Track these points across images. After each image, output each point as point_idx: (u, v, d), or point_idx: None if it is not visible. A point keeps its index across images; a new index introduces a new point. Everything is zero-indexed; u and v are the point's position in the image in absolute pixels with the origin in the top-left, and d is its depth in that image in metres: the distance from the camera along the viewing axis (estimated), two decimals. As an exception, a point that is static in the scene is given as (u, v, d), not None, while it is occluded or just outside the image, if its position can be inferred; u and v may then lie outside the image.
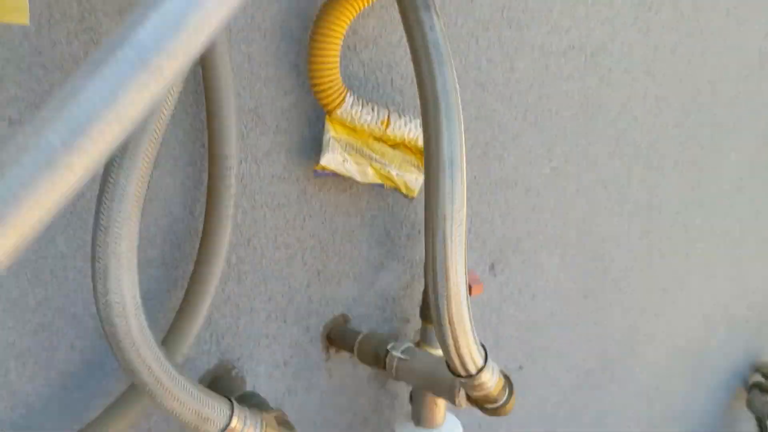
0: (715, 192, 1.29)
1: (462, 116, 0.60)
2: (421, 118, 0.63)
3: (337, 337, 0.82)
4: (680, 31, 1.11)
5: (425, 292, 0.84)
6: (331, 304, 0.82)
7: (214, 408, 0.55)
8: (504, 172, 0.94)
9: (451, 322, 0.60)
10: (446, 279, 0.59)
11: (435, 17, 0.62)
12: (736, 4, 1.18)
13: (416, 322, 0.88)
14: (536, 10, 0.91)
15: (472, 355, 0.63)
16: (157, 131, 0.49)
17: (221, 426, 0.56)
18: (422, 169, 0.75)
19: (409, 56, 0.76)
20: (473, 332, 0.63)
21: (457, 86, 0.61)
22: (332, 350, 0.84)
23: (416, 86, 0.63)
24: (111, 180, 0.47)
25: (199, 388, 0.55)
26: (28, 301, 0.61)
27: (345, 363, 0.86)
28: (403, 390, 0.92)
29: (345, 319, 0.83)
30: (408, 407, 0.86)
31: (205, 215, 0.63)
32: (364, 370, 0.88)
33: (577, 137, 1.01)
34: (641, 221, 1.17)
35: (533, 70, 0.92)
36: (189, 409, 0.53)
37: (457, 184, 0.59)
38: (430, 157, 0.60)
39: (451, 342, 0.62)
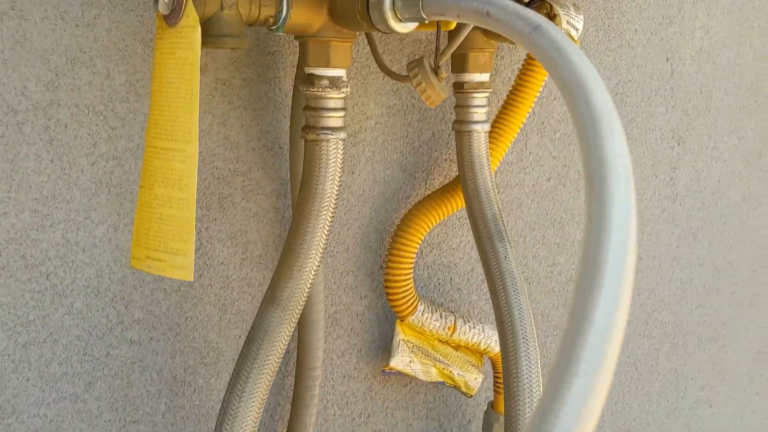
0: (736, 364, 1.34)
1: (537, 341, 0.66)
2: (484, 324, 0.69)
3: None
4: (702, 218, 1.20)
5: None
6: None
7: None
8: (546, 359, 0.99)
9: None
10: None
11: (508, 246, 0.70)
12: (751, 192, 1.27)
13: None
14: (574, 209, 0.99)
15: None
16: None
17: None
18: (482, 369, 0.81)
19: (466, 257, 0.84)
20: None
21: (531, 312, 0.67)
22: None
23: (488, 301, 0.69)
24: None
25: None
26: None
27: None
28: None
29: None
30: None
31: (289, 423, 0.68)
32: None
33: (611, 322, 1.07)
34: (669, 399, 1.21)
35: (572, 264, 1.00)
36: None
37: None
38: (509, 381, 0.65)
39: None
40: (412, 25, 0.53)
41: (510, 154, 0.91)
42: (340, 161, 0.60)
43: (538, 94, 0.81)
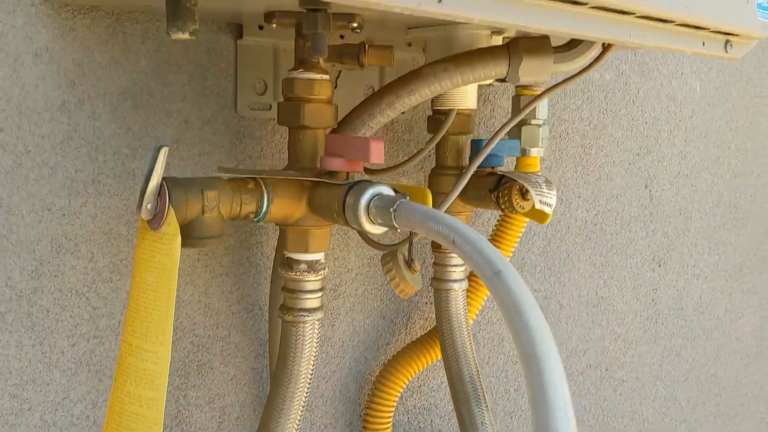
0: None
1: None
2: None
3: None
4: (684, 335, 1.21)
5: None
6: None
7: None
8: (528, 492, 0.99)
9: None
10: None
11: (485, 410, 0.71)
12: (733, 304, 1.29)
13: None
14: (557, 336, 1.00)
15: None
16: None
17: None
18: None
19: (446, 398, 0.84)
20: None
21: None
22: None
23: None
24: None
25: None
26: None
27: None
28: None
29: None
30: None
31: None
32: None
33: (594, 448, 1.07)
34: None
35: (555, 394, 1.00)
36: None
37: None
38: None
39: None
40: (384, 228, 0.55)
41: (490, 290, 0.92)
42: (316, 341, 0.61)
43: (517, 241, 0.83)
